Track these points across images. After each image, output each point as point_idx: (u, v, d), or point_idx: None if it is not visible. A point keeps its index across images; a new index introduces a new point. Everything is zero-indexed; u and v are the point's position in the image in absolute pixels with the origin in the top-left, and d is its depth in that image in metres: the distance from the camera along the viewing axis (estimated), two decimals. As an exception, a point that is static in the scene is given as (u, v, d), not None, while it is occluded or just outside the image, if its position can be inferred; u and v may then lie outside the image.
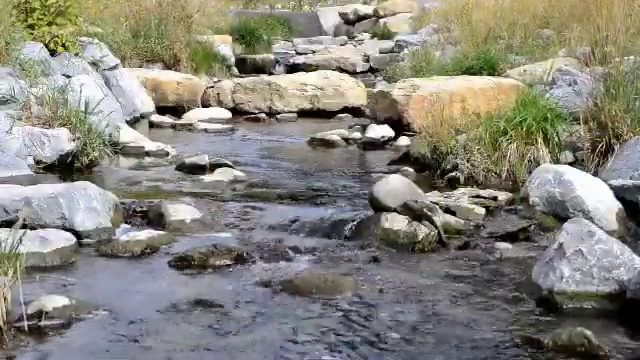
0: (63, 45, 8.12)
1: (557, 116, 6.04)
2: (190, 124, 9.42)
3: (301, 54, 16.48)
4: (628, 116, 5.45)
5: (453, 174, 5.96)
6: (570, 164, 5.54)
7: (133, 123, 8.73)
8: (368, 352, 3.17)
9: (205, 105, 10.56)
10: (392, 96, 8.05)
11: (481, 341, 3.25)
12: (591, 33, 7.29)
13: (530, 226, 4.73)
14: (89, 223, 4.60)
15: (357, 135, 8.33)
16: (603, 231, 3.81)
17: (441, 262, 4.33)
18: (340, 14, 21.16)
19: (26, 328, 3.28)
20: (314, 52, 16.61)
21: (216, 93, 10.67)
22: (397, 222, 4.66)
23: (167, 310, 3.58)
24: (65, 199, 4.62)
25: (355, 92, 10.54)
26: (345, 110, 10.40)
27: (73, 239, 4.40)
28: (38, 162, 6.34)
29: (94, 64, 8.67)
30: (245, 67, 14.48)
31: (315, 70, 12.23)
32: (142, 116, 9.26)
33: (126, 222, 4.94)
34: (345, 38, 19.43)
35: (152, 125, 9.32)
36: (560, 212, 4.77)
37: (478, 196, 5.20)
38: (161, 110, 9.90)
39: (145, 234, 4.57)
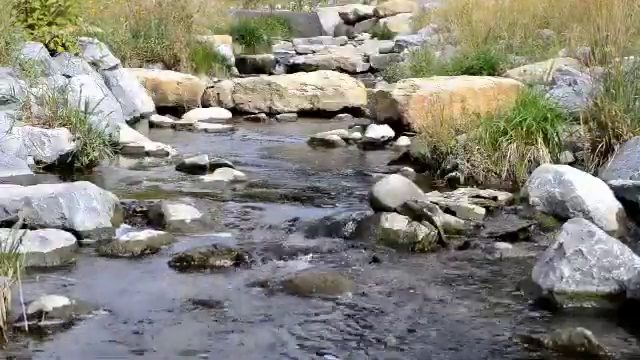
0: (63, 45, 8.12)
1: (557, 116, 6.05)
2: (190, 124, 9.42)
3: (301, 54, 16.48)
4: (628, 116, 5.45)
5: (453, 174, 5.97)
6: (570, 164, 5.54)
7: (133, 123, 8.74)
8: (368, 352, 3.16)
9: (205, 105, 10.56)
10: (392, 96, 8.05)
11: (481, 341, 3.25)
12: (591, 33, 7.29)
13: (530, 226, 4.73)
14: (89, 223, 4.61)
15: (357, 135, 8.34)
16: (603, 231, 3.81)
17: (441, 262, 4.32)
18: (340, 14, 21.17)
19: (26, 328, 3.28)
20: (314, 52, 16.62)
21: (216, 93, 10.68)
22: (397, 222, 4.65)
23: (167, 310, 3.57)
24: (65, 199, 4.62)
25: (355, 92, 10.55)
26: (345, 110, 10.40)
27: (73, 239, 4.40)
28: (38, 162, 6.34)
29: (94, 64, 8.67)
30: (245, 67, 14.49)
31: (315, 70, 12.24)
32: (142, 116, 9.26)
33: (126, 222, 4.94)
34: (345, 38, 19.44)
35: (152, 125, 9.33)
36: (560, 212, 4.77)
37: (478, 196, 5.20)
38: (161, 110, 9.91)
39: (145, 234, 4.56)
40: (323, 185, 6.15)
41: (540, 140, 5.94)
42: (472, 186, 5.63)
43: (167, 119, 9.63)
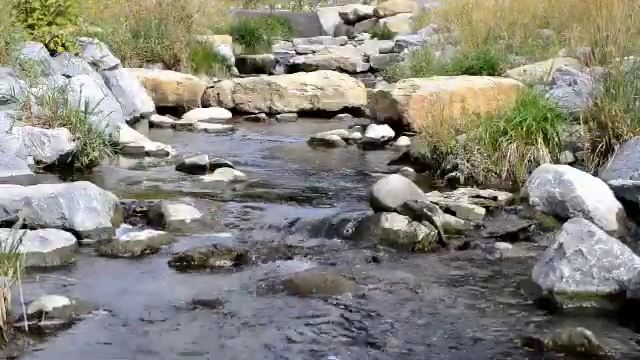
0: (63, 45, 8.12)
1: (557, 116, 6.04)
2: (190, 124, 9.42)
3: (301, 54, 16.48)
4: (628, 116, 5.45)
5: (453, 174, 5.96)
6: (570, 164, 5.54)
7: (133, 123, 8.74)
8: (368, 352, 3.16)
9: (205, 105, 10.56)
10: (392, 96, 8.05)
11: (481, 341, 3.25)
12: (591, 33, 7.28)
13: (530, 226, 4.73)
14: (89, 223, 4.61)
15: (357, 135, 8.33)
16: (603, 231, 3.81)
17: (441, 262, 4.32)
18: (340, 14, 21.17)
19: (26, 328, 3.28)
20: (314, 52, 16.62)
21: (216, 93, 10.68)
22: (397, 222, 4.66)
23: (167, 310, 3.58)
24: (65, 199, 4.62)
25: (355, 92, 10.55)
26: (345, 110, 10.40)
27: (73, 239, 4.41)
28: (38, 162, 6.34)
29: (94, 64, 8.67)
30: (245, 67, 14.49)
31: (315, 70, 12.23)
32: (142, 116, 9.26)
33: (126, 222, 4.94)
34: (345, 38, 19.43)
35: (152, 125, 9.32)
36: (560, 212, 4.77)
37: (478, 196, 5.20)
38: (161, 110, 9.91)
39: (145, 234, 4.57)
40: (323, 185, 6.15)
41: (540, 140, 5.94)
42: (472, 186, 5.63)
43: (167, 119, 9.63)
